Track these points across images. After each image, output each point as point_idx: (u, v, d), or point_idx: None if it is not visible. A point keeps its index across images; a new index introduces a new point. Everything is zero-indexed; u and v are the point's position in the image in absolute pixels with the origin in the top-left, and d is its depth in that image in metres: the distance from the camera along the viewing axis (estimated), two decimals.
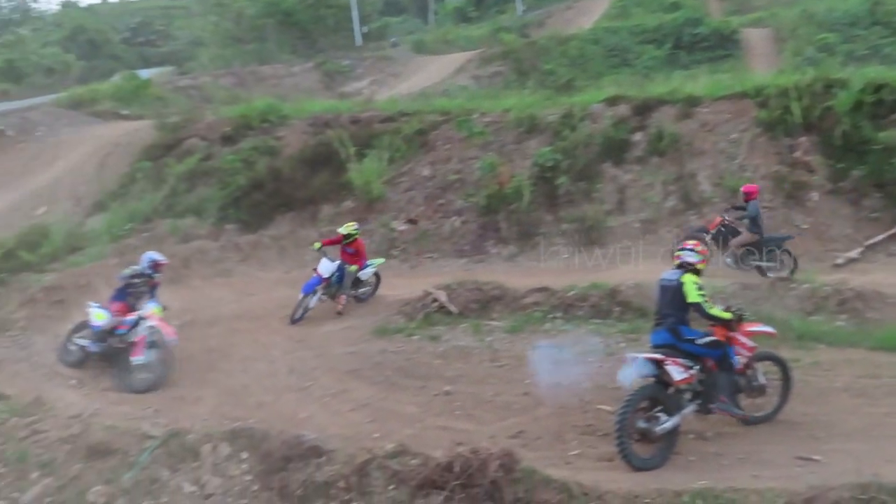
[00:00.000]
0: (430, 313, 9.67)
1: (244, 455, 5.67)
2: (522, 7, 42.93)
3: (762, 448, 6.26)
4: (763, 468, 5.82)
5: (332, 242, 11.05)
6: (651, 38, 26.60)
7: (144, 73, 30.45)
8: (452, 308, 9.66)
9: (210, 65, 35.59)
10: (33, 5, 43.93)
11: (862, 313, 8.97)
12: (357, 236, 11.06)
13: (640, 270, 10.73)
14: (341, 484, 5.19)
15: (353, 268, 10.74)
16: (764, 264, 10.66)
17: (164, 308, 8.97)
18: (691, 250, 6.57)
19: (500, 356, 8.47)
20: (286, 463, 5.46)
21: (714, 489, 5.19)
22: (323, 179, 14.62)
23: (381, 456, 5.41)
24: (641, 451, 6.04)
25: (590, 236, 12.63)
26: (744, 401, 6.67)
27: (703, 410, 6.36)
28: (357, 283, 10.85)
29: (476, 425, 6.99)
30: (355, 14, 37.67)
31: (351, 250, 10.93)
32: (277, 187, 14.64)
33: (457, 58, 31.61)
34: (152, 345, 8.46)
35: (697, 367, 6.28)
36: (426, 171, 14.56)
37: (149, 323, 8.53)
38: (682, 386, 6.21)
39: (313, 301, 10.33)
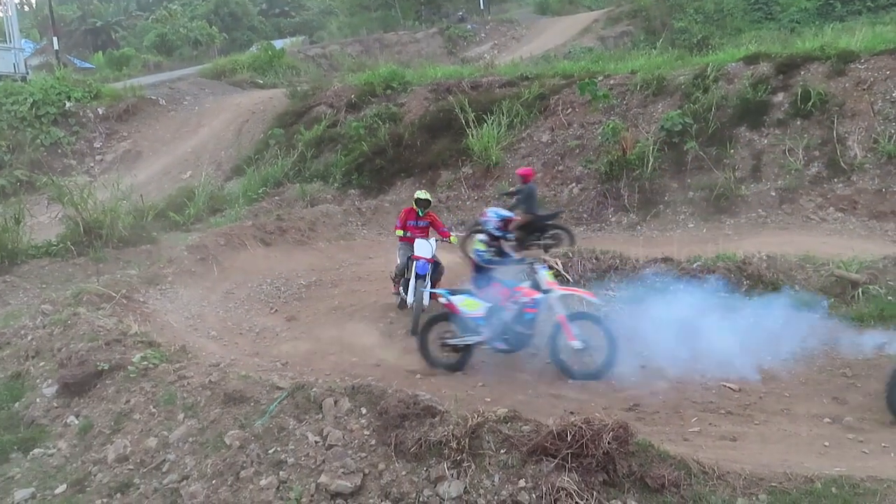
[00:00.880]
0: None
1: (363, 410, 5.94)
2: None
3: None
4: None
5: (407, 220, 9.57)
6: None
7: (279, 44, 31.88)
8: (569, 277, 9.51)
9: (338, 33, 36.65)
10: None
11: None
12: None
13: (774, 242, 10.03)
14: (454, 444, 5.30)
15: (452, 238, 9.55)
16: (546, 242, 10.52)
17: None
18: None
19: (617, 327, 8.25)
20: (402, 420, 5.65)
21: (852, 478, 4.84)
22: (442, 145, 14.76)
23: (493, 420, 5.47)
24: None
25: (719, 205, 11.92)
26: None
27: None
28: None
29: (590, 396, 6.90)
30: None
31: (424, 223, 9.58)
32: (398, 153, 14.97)
33: (582, 18, 30.59)
34: (578, 317, 7.47)
35: None
36: (545, 137, 14.30)
37: (558, 293, 7.50)
38: None
39: (426, 297, 8.73)
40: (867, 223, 10.73)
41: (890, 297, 8.09)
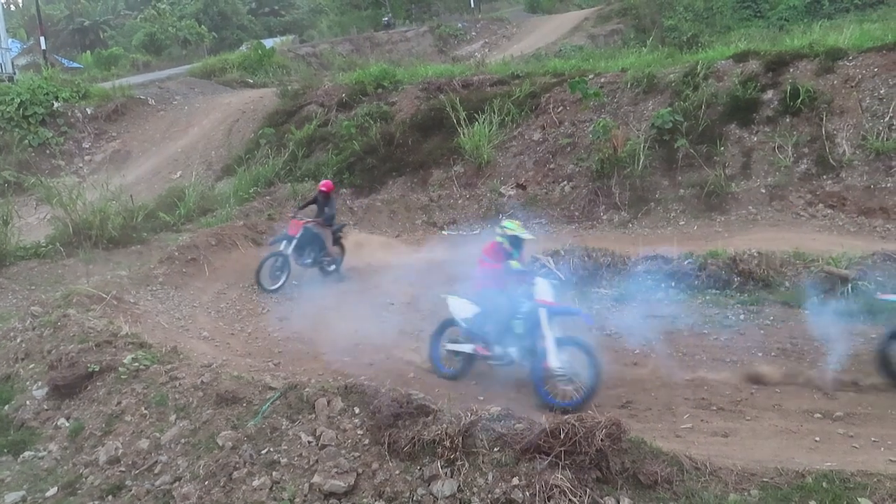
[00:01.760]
0: None
1: (356, 410, 5.93)
2: None
3: None
4: None
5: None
6: None
7: (269, 43, 31.78)
8: (560, 275, 9.52)
9: (328, 32, 36.56)
10: None
11: None
12: None
13: (764, 239, 10.08)
14: (447, 443, 5.31)
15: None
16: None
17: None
18: None
19: (609, 325, 8.30)
20: (395, 419, 5.65)
21: (843, 472, 4.88)
22: (434, 144, 14.77)
23: (487, 418, 5.48)
24: None
25: (709, 202, 11.97)
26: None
27: None
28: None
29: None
30: None
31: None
32: (389, 152, 14.96)
33: (572, 16, 30.66)
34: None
35: None
36: (537, 135, 14.32)
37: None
38: None
39: None
40: (856, 219, 10.81)
41: (879, 293, 8.15)
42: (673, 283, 9.10)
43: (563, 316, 6.97)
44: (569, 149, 13.74)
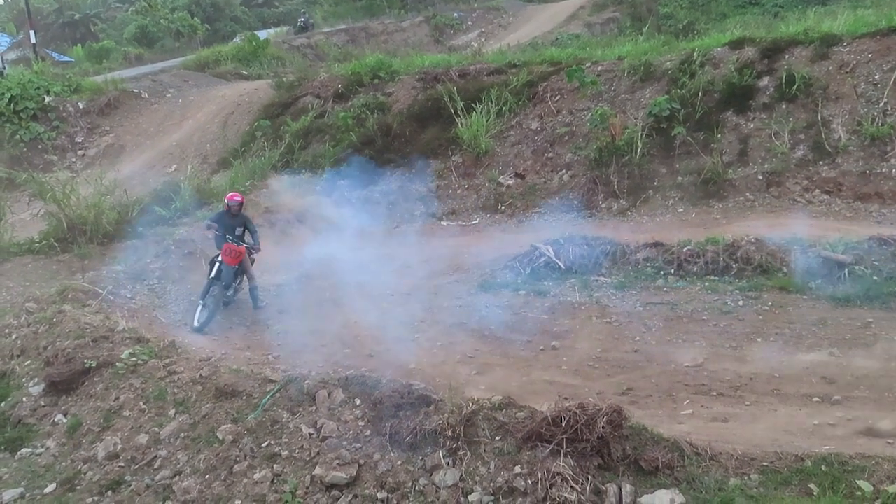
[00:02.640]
0: (537, 268, 9.59)
1: (357, 401, 5.92)
2: None
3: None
4: None
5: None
6: None
7: (263, 34, 31.57)
8: (560, 263, 9.52)
9: (324, 23, 36.33)
10: None
11: None
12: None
13: (762, 225, 10.07)
14: (449, 433, 5.31)
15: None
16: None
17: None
18: None
19: (609, 312, 8.29)
20: (396, 410, 5.65)
21: (841, 455, 4.89)
22: (431, 134, 14.69)
23: (488, 407, 5.48)
24: None
25: (707, 189, 11.94)
26: None
27: None
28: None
29: (583, 381, 6.92)
30: None
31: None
32: (387, 143, 14.88)
33: (568, 5, 30.50)
34: None
35: None
36: (534, 125, 14.26)
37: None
38: None
39: None
40: (852, 204, 10.79)
41: (875, 277, 8.17)
42: (672, 271, 9.09)
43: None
44: (567, 137, 13.69)
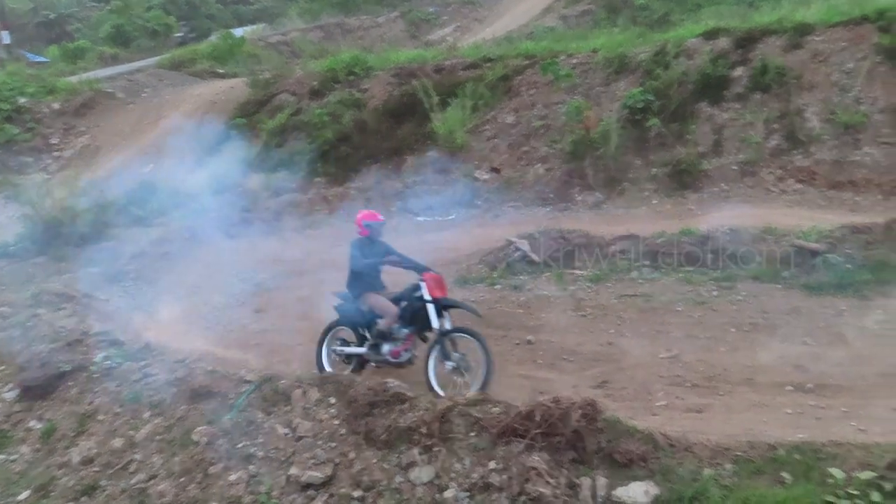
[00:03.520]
0: (512, 262, 9.62)
1: (332, 400, 5.91)
2: None
3: (868, 402, 5.89)
4: (870, 423, 5.48)
5: None
6: None
7: (238, 32, 31.25)
8: (535, 257, 9.55)
9: (299, 19, 36.04)
10: None
11: None
12: None
13: (737, 215, 10.16)
14: (424, 430, 5.32)
15: None
16: None
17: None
18: None
19: (584, 305, 8.33)
20: (371, 408, 5.65)
21: (813, 443, 4.96)
22: (407, 130, 14.64)
23: (462, 403, 5.49)
24: None
25: (682, 181, 12.02)
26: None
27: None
28: None
29: (558, 374, 6.96)
30: None
31: None
32: (363, 139, 14.81)
33: None
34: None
35: None
36: (510, 119, 14.26)
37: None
38: None
39: None
40: (825, 193, 10.93)
41: (848, 266, 8.27)
42: (647, 262, 9.16)
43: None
44: (542, 131, 13.71)
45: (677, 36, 14.39)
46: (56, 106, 20.32)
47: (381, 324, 6.89)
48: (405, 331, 6.87)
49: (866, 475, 4.59)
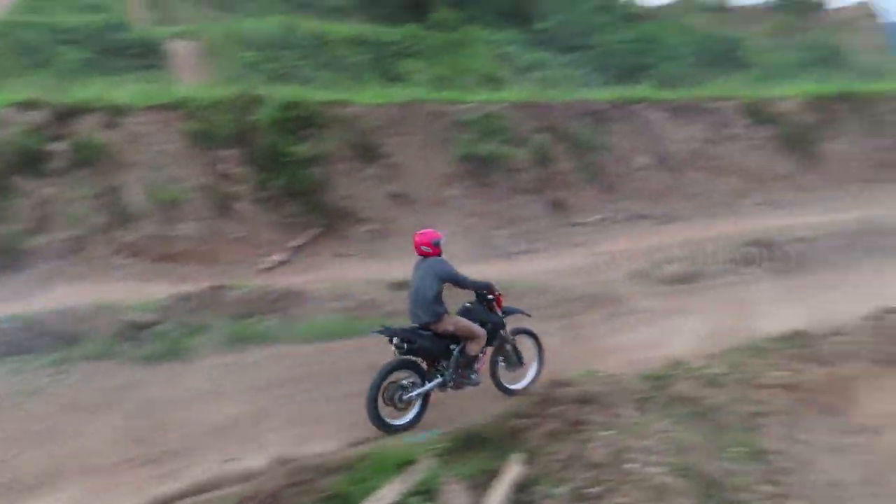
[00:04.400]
0: None
1: None
2: None
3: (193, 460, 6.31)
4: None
5: None
6: (71, 39, 24.08)
7: None
8: None
9: None
10: None
11: (288, 311, 9.98)
12: None
13: (69, 293, 9.80)
14: None
15: None
16: None
17: None
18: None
19: None
20: None
21: None
22: None
23: None
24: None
25: (3, 261, 10.86)
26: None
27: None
28: None
29: None
30: None
31: None
32: None
33: None
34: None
35: None
36: None
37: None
38: None
39: None
40: (154, 266, 11.51)
41: (179, 331, 8.92)
42: None
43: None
44: None
45: None
46: None
47: (472, 348, 6.86)
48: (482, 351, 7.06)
49: None
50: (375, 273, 11.28)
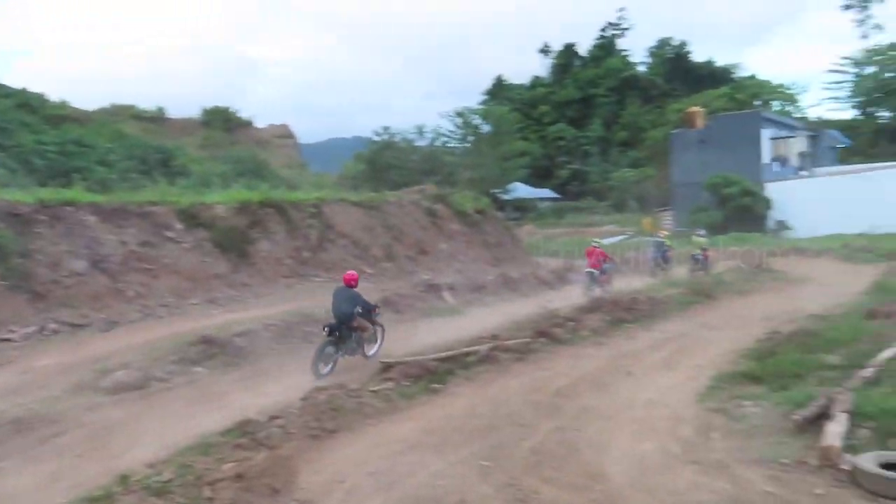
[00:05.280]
0: None
1: None
2: None
3: None
4: None
5: None
6: None
7: None
8: None
9: None
10: None
11: None
12: None
13: None
14: None
15: None
16: None
17: None
18: None
19: None
20: None
21: None
22: None
23: None
24: None
25: None
26: None
27: None
28: None
29: None
30: None
31: None
32: None
33: None
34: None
35: None
36: None
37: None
38: None
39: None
40: None
41: None
42: None
43: None
44: None
45: None
46: None
47: (364, 336, 12.86)
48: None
49: None
50: None
